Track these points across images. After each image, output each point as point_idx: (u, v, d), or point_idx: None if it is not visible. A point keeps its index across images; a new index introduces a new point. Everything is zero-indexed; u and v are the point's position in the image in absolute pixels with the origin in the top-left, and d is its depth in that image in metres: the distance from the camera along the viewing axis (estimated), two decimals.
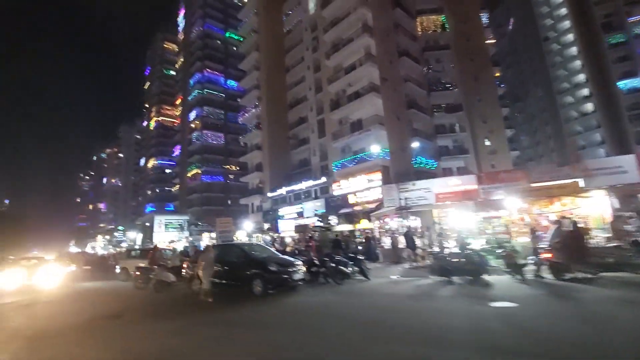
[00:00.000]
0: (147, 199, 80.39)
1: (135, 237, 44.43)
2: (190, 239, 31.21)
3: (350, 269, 9.85)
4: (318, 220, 21.19)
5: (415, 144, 24.37)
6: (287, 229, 26.06)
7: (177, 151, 71.13)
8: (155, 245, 14.22)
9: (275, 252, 10.38)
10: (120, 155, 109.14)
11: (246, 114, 40.48)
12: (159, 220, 36.02)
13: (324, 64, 32.11)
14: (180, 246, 28.23)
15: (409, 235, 13.40)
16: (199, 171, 60.41)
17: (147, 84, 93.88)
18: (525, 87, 56.46)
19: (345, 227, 21.26)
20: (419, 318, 5.69)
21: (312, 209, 27.80)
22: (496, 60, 39.76)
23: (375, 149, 23.15)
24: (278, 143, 36.94)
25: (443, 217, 18.91)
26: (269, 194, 33.97)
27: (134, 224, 63.12)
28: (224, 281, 8.54)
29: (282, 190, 32.42)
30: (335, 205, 25.97)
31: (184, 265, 10.58)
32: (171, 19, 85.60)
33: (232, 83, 67.95)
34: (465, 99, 31.50)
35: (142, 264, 12.12)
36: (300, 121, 36.88)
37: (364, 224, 19.49)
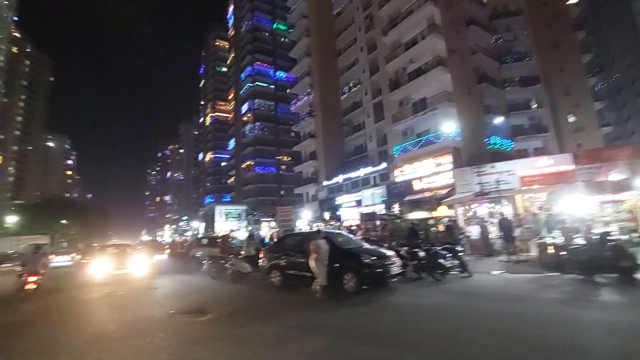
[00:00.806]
0: (206, 191, 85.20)
1: (198, 226, 46.83)
2: (250, 227, 31.66)
3: (450, 262, 8.35)
4: (386, 208, 19.70)
5: (491, 122, 21.52)
6: (350, 218, 24.89)
7: (231, 144, 73.87)
8: (226, 234, 13.95)
9: (359, 241, 9.13)
10: (181, 151, 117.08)
11: (298, 103, 39.87)
12: (220, 210, 37.28)
13: (380, 41, 29.98)
14: (240, 235, 28.75)
15: (504, 223, 11.38)
16: (252, 163, 61.94)
17: (202, 82, 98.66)
18: (610, 55, 48.20)
19: (417, 215, 19.45)
20: (594, 336, 4.11)
21: (371, 196, 26.32)
22: (579, 24, 33.99)
23: (446, 128, 20.84)
24: (332, 130, 35.82)
25: (534, 202, 16.39)
26: (325, 183, 33.12)
27: (196, 214, 67.24)
28: (304, 273, 7.55)
29: (339, 179, 31.31)
30: (398, 192, 24.16)
31: (261, 255, 9.96)
32: (221, 17, 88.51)
33: (281, 74, 68.21)
34: (543, 70, 27.27)
35: (213, 252, 11.78)
36: (354, 106, 35.28)
37: (441, 211, 17.59)
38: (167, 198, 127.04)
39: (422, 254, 8.34)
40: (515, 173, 17.93)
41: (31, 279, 9.10)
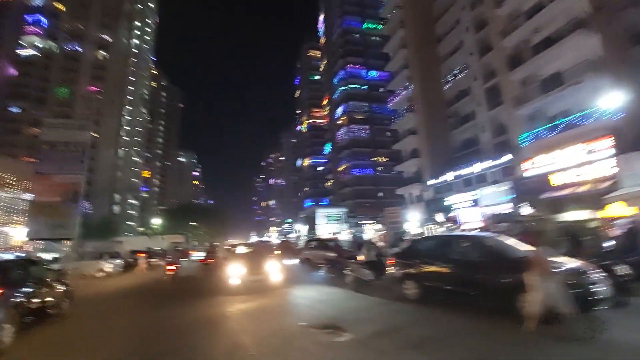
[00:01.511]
0: (305, 195, 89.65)
1: (300, 228, 48.86)
2: (354, 230, 31.14)
3: None
4: (515, 207, 16.38)
5: None
6: (469, 220, 21.79)
7: (327, 149, 75.90)
8: (336, 237, 13.39)
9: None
10: (282, 158, 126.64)
11: (395, 99, 37.87)
12: (321, 213, 37.97)
13: (492, 16, 25.97)
14: (342, 238, 28.38)
15: None
16: (349, 165, 62.11)
17: (298, 92, 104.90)
18: None
19: (571, 215, 15.53)
20: None
21: (492, 195, 22.60)
22: None
23: (598, 105, 16.27)
24: (435, 124, 32.71)
25: None
26: (430, 182, 30.27)
27: (297, 217, 71.02)
28: (453, 288, 6.07)
29: (447, 176, 28.15)
30: (529, 189, 20.06)
31: (389, 262, 8.90)
32: (312, 29, 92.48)
33: (373, 74, 67.03)
34: None
35: (326, 256, 11.20)
36: (460, 95, 31.52)
37: (611, 210, 13.53)
38: (271, 203, 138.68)
39: (622, 267, 5.95)
40: None
41: (170, 267, 13.06)
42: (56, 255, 21.55)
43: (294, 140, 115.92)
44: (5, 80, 63.08)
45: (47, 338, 5.74)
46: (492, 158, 24.56)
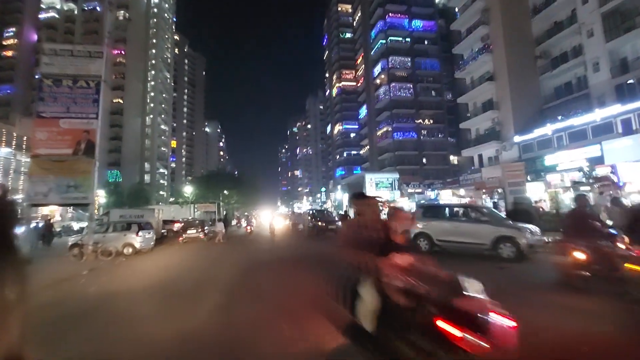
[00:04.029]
0: (335, 164, 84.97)
1: (341, 197, 44.75)
2: (421, 201, 26.47)
3: None
4: None
5: None
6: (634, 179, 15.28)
7: (363, 112, 69.71)
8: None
9: None
10: (308, 126, 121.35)
11: (462, 42, 31.25)
12: (370, 179, 33.22)
13: None
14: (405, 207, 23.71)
15: None
16: (389, 129, 56.14)
17: (326, 53, 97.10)
18: None
19: None
20: None
21: (625, 150, 16.85)
22: None
23: None
24: (520, 68, 26.41)
25: None
26: (517, 138, 24.51)
27: (334, 185, 67.00)
28: None
29: (543, 130, 22.29)
30: None
31: None
32: None
33: (417, 24, 58.89)
34: None
35: None
36: (555, 28, 24.84)
37: None
38: (297, 172, 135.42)
39: None
40: None
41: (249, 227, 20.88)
42: (84, 224, 18.13)
43: (322, 107, 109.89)
44: (30, 47, 60.70)
45: None
46: (621, 102, 18.49)
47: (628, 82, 19.90)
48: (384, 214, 2.95)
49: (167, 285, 7.36)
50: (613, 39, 20.49)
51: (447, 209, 10.98)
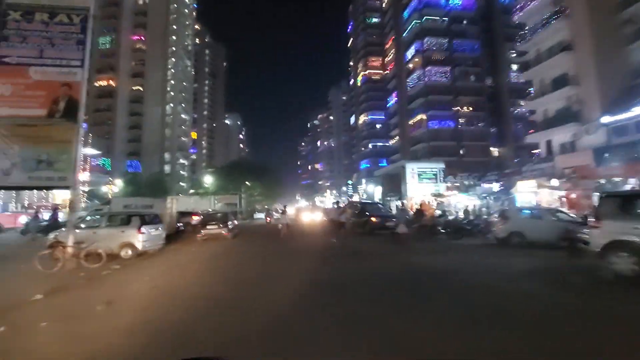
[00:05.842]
0: (360, 156, 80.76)
1: (373, 190, 40.74)
2: (504, 203, 22.30)
3: None
4: None
5: None
6: None
7: (392, 101, 64.98)
8: None
9: None
10: (331, 118, 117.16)
11: (527, 6, 26.29)
12: (411, 169, 29.04)
13: None
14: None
15: None
16: (424, 117, 51.34)
17: (350, 40, 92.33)
18: None
19: None
20: None
21: None
22: None
23: None
24: (604, 35, 21.44)
25: None
26: (606, 119, 19.70)
27: (346, 180, 62.98)
28: None
29: None
30: None
31: None
32: None
33: (455, 1, 53.39)
34: None
35: None
36: None
37: None
38: (318, 166, 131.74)
39: None
40: None
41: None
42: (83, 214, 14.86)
43: (344, 97, 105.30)
44: None
45: None
46: None
47: None
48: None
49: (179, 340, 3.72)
50: None
51: None
